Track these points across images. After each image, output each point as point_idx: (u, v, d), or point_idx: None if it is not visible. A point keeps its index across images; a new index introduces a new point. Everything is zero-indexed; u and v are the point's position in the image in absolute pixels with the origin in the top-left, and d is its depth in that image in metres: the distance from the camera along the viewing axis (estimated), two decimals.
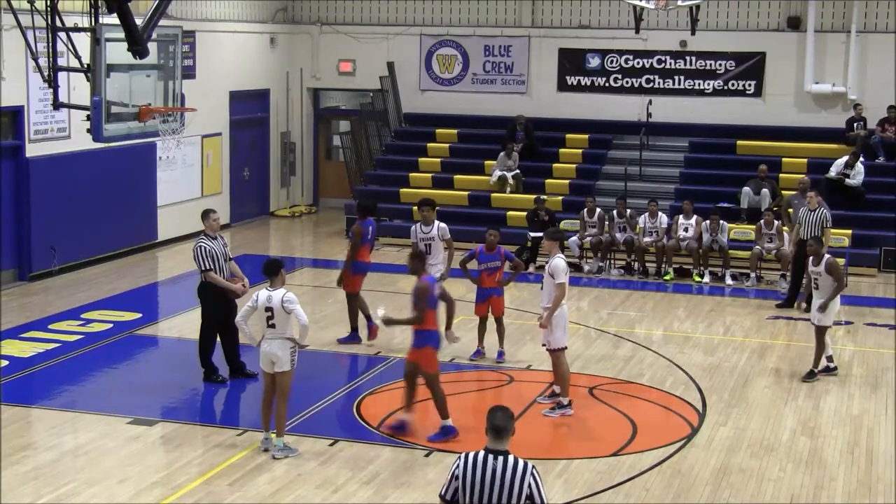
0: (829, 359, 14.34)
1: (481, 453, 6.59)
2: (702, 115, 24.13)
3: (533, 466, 6.59)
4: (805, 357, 15.08)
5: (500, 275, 14.55)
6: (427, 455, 11.26)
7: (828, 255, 14.28)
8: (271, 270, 11.37)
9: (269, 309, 11.12)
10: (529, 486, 6.52)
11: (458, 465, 6.62)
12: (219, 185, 24.16)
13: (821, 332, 14.07)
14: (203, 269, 13.16)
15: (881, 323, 17.25)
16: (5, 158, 18.21)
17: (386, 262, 21.12)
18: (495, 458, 6.56)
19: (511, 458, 6.57)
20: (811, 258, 14.33)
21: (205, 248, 13.11)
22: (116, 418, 12.23)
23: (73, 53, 13.86)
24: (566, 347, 12.72)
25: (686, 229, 20.14)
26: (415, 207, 22.94)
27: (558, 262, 12.54)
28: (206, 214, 13.53)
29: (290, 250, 23.19)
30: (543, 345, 12.81)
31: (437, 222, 14.95)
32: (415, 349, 11.78)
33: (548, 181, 23.53)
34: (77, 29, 13.77)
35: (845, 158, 21.62)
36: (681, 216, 20.40)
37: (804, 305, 15.37)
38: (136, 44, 13.12)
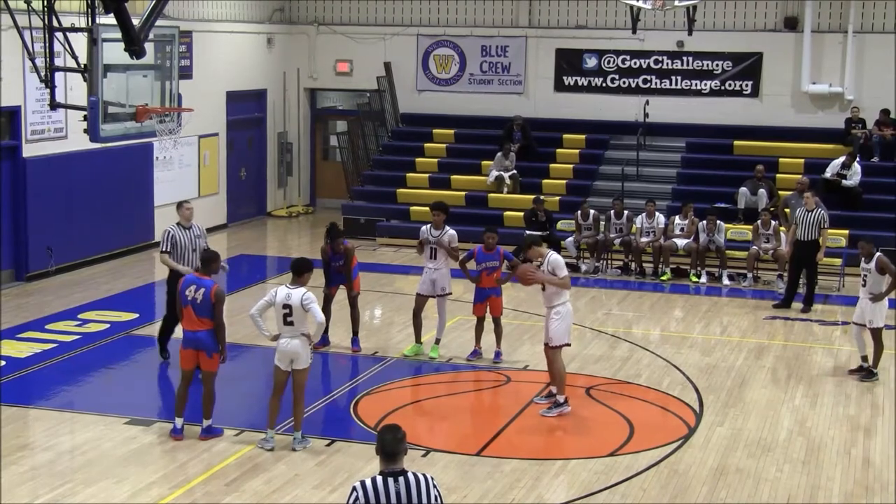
0: (864, 359, 14.33)
1: (379, 479, 6.27)
2: (699, 115, 24.13)
3: (432, 477, 6.41)
4: (802, 357, 15.14)
5: (497, 274, 14.54)
6: (424, 455, 11.24)
7: (879, 253, 14.20)
8: (300, 270, 11.39)
9: (287, 306, 11.15)
10: (436, 497, 6.34)
11: (356, 497, 6.27)
12: (216, 185, 24.15)
13: (877, 333, 14.10)
14: (161, 249, 13.88)
15: None
16: (2, 159, 18.17)
17: (383, 262, 21.12)
18: (396, 481, 6.27)
19: (411, 477, 6.30)
20: (863, 257, 14.27)
21: (169, 232, 13.79)
22: (113, 418, 12.21)
23: (69, 53, 13.83)
24: (565, 345, 12.66)
25: (682, 229, 20.15)
26: (412, 208, 23.14)
27: (556, 256, 12.58)
28: (179, 205, 14.18)
29: (287, 251, 23.16)
30: (546, 342, 12.76)
31: (447, 228, 14.70)
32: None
33: (545, 181, 23.53)
34: (74, 29, 13.76)
35: (842, 159, 21.63)
36: (677, 216, 20.42)
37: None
38: (133, 44, 13.09)
